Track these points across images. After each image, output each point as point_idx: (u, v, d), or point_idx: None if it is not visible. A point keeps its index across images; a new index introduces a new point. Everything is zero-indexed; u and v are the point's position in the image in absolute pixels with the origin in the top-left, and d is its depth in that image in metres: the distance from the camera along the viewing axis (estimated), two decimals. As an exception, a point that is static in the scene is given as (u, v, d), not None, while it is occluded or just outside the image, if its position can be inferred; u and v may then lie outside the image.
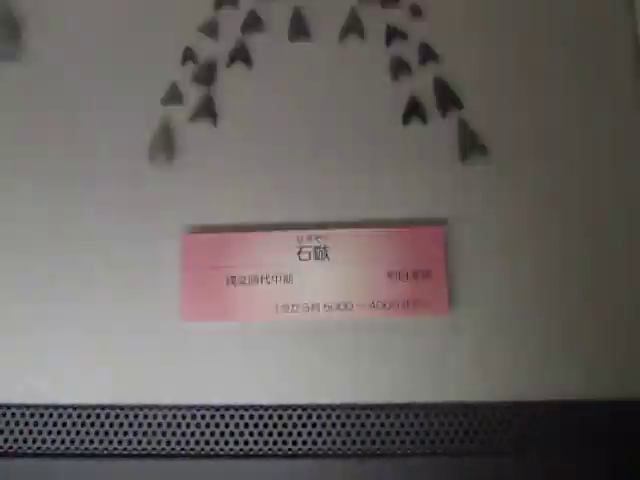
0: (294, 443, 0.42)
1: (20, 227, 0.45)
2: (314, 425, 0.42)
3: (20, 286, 0.44)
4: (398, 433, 0.42)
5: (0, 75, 0.47)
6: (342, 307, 0.43)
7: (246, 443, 0.42)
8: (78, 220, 0.45)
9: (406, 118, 0.46)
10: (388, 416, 0.42)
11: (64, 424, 0.43)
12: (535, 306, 0.43)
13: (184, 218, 0.45)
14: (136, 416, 0.43)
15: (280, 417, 0.42)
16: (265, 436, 0.42)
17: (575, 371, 0.42)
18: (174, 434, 0.42)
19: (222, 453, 0.42)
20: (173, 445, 0.42)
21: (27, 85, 0.47)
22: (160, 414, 0.43)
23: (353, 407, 0.42)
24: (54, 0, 0.48)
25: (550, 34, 0.47)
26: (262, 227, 0.44)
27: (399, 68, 0.46)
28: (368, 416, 0.42)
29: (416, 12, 0.47)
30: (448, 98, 0.46)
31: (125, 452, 0.42)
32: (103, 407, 0.43)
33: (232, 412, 0.42)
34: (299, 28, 0.47)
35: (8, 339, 0.44)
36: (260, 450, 0.42)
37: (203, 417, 0.42)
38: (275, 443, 0.42)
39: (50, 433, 0.43)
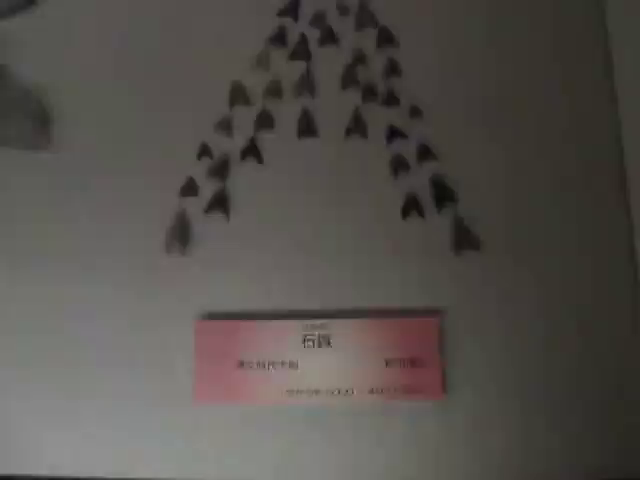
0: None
1: (40, 306, 0.48)
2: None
3: (38, 363, 0.48)
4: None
5: (30, 162, 0.51)
6: (343, 392, 0.46)
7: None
8: (97, 302, 0.48)
9: (405, 213, 0.49)
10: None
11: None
12: (525, 394, 0.46)
13: (197, 305, 0.48)
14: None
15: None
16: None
17: (566, 454, 0.45)
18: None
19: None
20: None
21: (54, 173, 0.51)
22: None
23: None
24: (82, 96, 0.52)
25: (544, 136, 0.50)
26: (270, 315, 0.47)
27: (399, 165, 0.50)
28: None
29: (416, 113, 0.51)
30: (444, 195, 0.49)
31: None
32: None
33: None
34: (307, 127, 0.51)
35: (26, 414, 0.47)
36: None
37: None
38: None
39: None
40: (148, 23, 0.53)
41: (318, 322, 0.47)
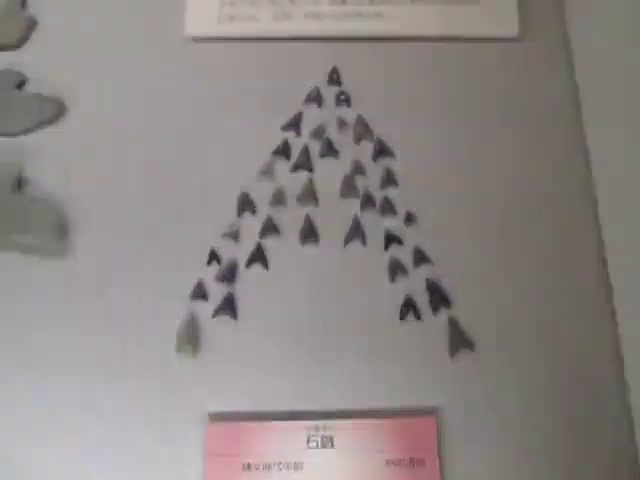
0: None
1: (54, 409, 0.50)
2: None
3: (50, 464, 0.49)
4: None
5: (47, 270, 0.54)
6: (346, 493, 0.48)
7: None
8: (108, 403, 0.50)
9: (402, 315, 0.52)
10: None
11: None
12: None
13: (206, 406, 0.50)
14: None
15: None
16: None
17: None
18: None
19: None
20: None
21: (70, 280, 0.54)
22: None
23: None
24: (98, 207, 0.56)
25: (533, 241, 0.54)
26: (275, 416, 0.50)
27: (396, 270, 0.53)
28: None
29: (411, 220, 0.55)
30: (439, 298, 0.53)
31: None
32: None
33: None
34: (309, 233, 0.54)
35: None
36: None
37: None
38: None
39: None
40: (162, 138, 0.57)
41: (321, 423, 0.49)
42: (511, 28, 0.60)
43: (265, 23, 0.60)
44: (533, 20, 0.62)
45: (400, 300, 0.53)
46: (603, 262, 0.53)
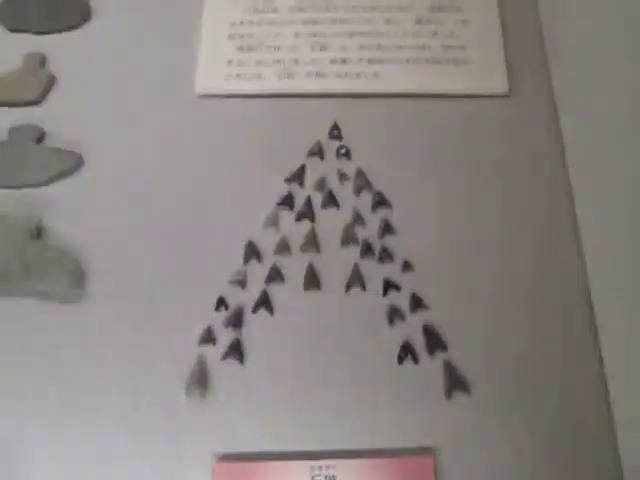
0: None
1: (65, 450, 0.53)
2: None
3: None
4: None
5: (62, 314, 0.57)
6: (348, 531, 0.50)
7: None
8: (118, 444, 0.53)
9: (400, 359, 0.55)
10: None
11: None
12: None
13: (214, 446, 0.53)
14: None
15: None
16: None
17: None
18: None
19: None
20: None
21: (84, 325, 0.56)
22: None
23: None
24: (113, 254, 0.59)
25: (525, 287, 0.57)
26: (280, 456, 0.52)
27: (394, 315, 0.56)
28: None
29: (408, 267, 0.58)
30: (435, 342, 0.55)
31: None
32: None
33: None
34: (312, 280, 0.58)
35: None
36: None
37: None
38: None
39: None
40: (173, 189, 0.61)
41: (324, 462, 0.51)
42: (501, 85, 0.65)
43: (270, 81, 0.64)
44: (522, 78, 0.66)
45: (398, 344, 0.55)
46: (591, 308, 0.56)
